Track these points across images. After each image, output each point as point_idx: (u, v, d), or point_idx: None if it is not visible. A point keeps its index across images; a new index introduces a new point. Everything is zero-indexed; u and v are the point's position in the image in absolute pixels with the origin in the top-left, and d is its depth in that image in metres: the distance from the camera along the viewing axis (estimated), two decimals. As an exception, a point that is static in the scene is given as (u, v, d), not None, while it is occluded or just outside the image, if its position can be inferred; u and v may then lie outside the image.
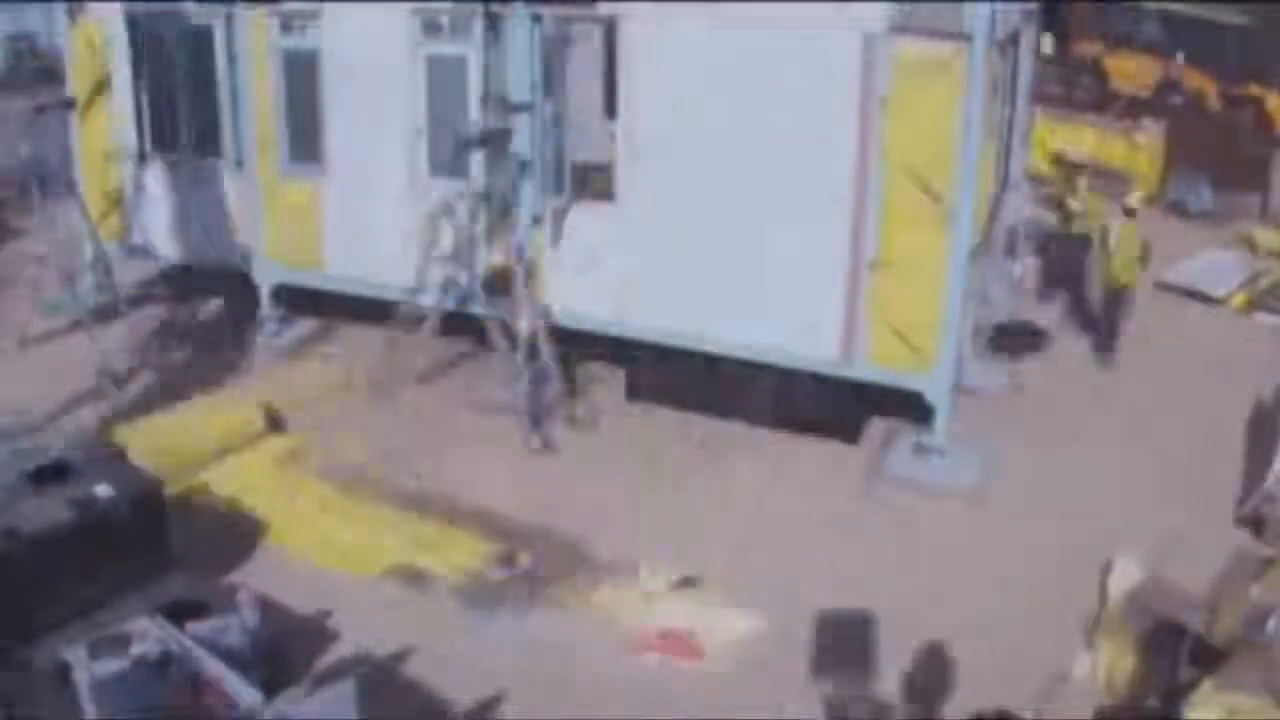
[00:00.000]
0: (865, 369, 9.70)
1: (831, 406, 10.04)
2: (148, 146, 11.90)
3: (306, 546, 8.34)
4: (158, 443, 8.94)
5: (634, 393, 10.73)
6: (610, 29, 9.95)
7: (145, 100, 11.79)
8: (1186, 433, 10.34)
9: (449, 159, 10.45)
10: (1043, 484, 9.40)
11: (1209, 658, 6.85)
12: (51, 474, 7.47)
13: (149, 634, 6.32)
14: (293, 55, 11.05)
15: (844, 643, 7.59)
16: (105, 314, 11.50)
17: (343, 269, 11.37)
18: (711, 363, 10.22)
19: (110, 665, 6.09)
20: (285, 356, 11.51)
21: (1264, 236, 15.72)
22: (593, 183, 10.39)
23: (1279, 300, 13.74)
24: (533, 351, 9.98)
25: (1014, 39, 10.87)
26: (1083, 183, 15.95)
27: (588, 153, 10.48)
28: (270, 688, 6.49)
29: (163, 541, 7.61)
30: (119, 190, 12.13)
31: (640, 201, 10.06)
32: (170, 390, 10.44)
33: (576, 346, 10.93)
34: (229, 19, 11.21)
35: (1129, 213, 12.31)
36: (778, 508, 9.14)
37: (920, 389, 9.55)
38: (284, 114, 11.24)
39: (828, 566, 8.32)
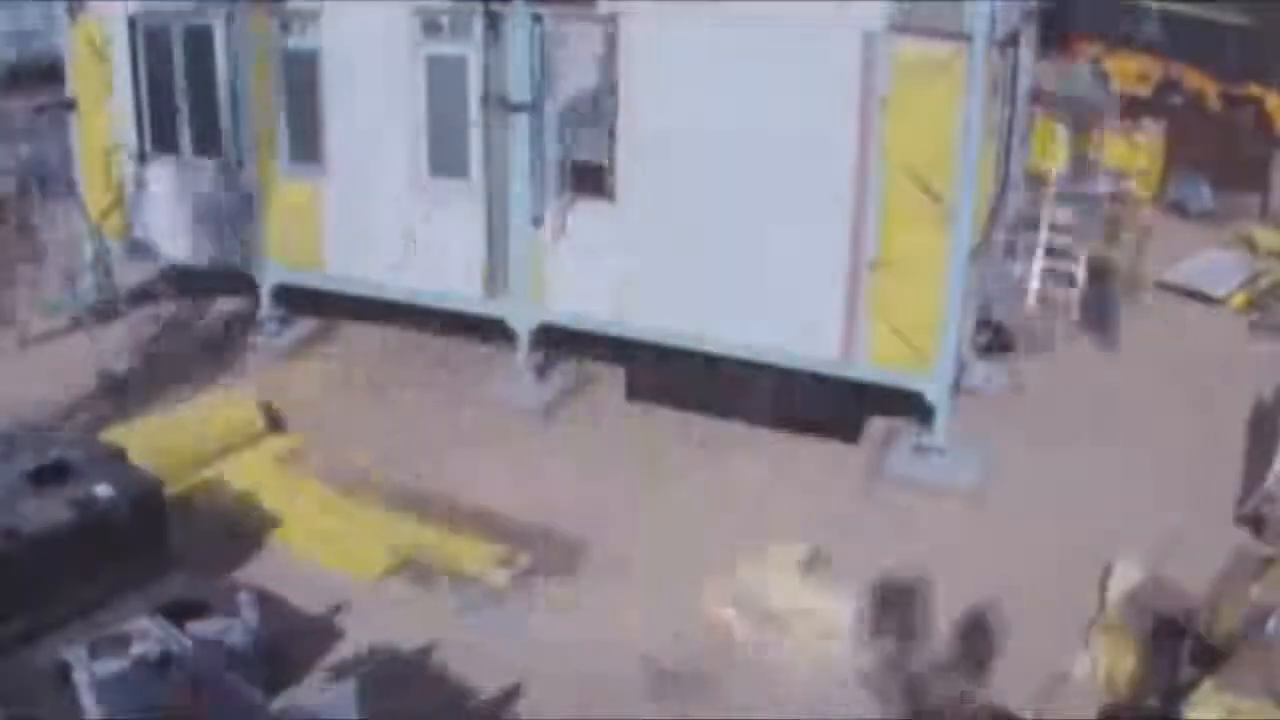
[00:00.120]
0: (865, 369, 9.70)
1: (831, 406, 10.05)
2: (148, 146, 11.89)
3: (306, 546, 8.33)
4: (158, 443, 8.93)
5: (634, 393, 10.73)
6: (610, 29, 9.95)
7: (145, 100, 11.79)
8: (1186, 433, 10.33)
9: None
10: (1043, 484, 9.39)
11: (1209, 658, 6.86)
12: (51, 474, 7.47)
13: (149, 634, 6.32)
14: (293, 55, 11.05)
15: (897, 609, 7.80)
16: (105, 314, 11.50)
17: (343, 269, 11.38)
18: (711, 363, 10.22)
19: (110, 665, 6.09)
20: (285, 356, 11.50)
21: (1264, 236, 15.71)
22: (593, 183, 10.38)
23: (1279, 300, 13.73)
24: None
25: (1014, 39, 10.87)
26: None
27: (588, 152, 10.49)
28: (271, 687, 6.50)
29: (163, 541, 7.61)
30: (120, 189, 12.12)
31: (640, 201, 10.06)
32: (170, 390, 10.44)
33: (577, 346, 10.97)
34: (229, 19, 11.22)
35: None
36: (778, 508, 9.14)
37: (920, 389, 9.55)
38: (284, 114, 11.25)
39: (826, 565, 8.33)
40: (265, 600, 7.19)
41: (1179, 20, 20.59)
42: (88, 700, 6.04)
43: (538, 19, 10.00)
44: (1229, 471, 9.69)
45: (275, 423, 10.02)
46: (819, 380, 9.91)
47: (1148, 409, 10.91)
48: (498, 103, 10.23)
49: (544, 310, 10.72)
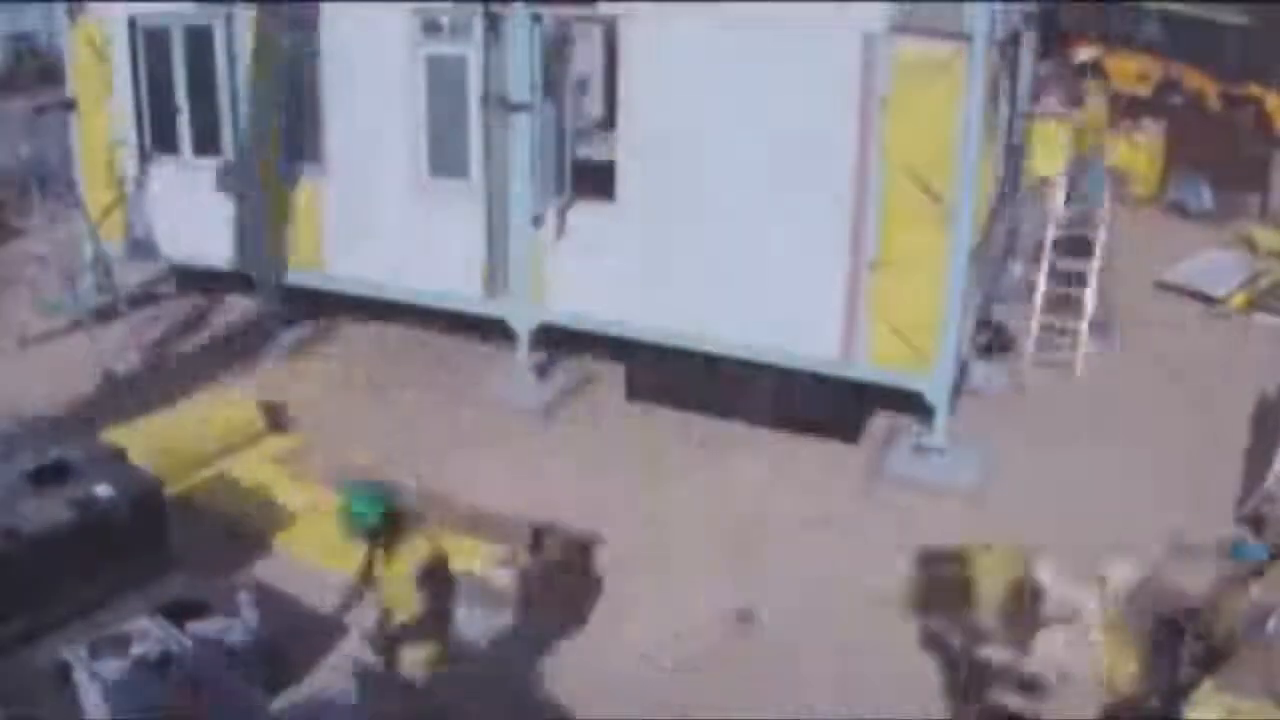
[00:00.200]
0: (865, 369, 9.70)
1: (831, 406, 10.05)
2: (148, 146, 11.90)
3: (306, 546, 8.33)
4: (158, 443, 8.93)
5: (634, 393, 10.73)
6: (610, 29, 9.96)
7: (145, 100, 11.79)
8: (1186, 433, 10.34)
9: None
10: (1043, 484, 9.39)
11: (1209, 658, 6.86)
12: (51, 474, 7.47)
13: (149, 634, 6.32)
14: (293, 55, 11.06)
15: (942, 579, 7.98)
16: (105, 314, 11.51)
17: (343, 269, 11.38)
18: (711, 363, 10.22)
19: (110, 665, 6.09)
20: (285, 356, 11.51)
21: (1264, 236, 15.71)
22: (593, 182, 10.39)
23: (1279, 300, 13.73)
24: None
25: (1014, 39, 10.87)
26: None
27: (588, 152, 10.50)
28: (271, 687, 6.51)
29: (163, 541, 7.61)
30: (120, 188, 12.13)
31: (640, 201, 10.06)
32: (170, 390, 10.44)
33: (577, 346, 10.98)
34: (229, 19, 11.22)
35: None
36: (778, 507, 9.14)
37: (920, 389, 9.56)
38: (284, 114, 11.25)
39: (828, 566, 8.33)
40: (270, 596, 7.21)
41: (1179, 20, 20.60)
42: (88, 700, 6.05)
43: (538, 19, 10.00)
44: (1229, 471, 9.69)
45: (276, 423, 10.02)
46: (819, 380, 9.91)
47: (1148, 409, 10.91)
48: (498, 103, 10.24)
49: (544, 310, 10.72)
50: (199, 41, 11.38)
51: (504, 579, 8.06)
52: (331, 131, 11.06)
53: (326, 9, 10.76)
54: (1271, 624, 6.79)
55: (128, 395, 10.43)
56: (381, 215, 10.98)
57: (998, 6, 9.12)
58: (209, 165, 11.65)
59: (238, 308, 12.46)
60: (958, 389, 10.04)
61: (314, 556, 8.20)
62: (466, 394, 10.74)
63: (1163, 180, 17.71)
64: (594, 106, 13.14)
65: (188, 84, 11.55)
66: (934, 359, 9.42)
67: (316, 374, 11.17)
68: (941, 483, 9.44)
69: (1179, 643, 7.11)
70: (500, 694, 7.01)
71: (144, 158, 11.92)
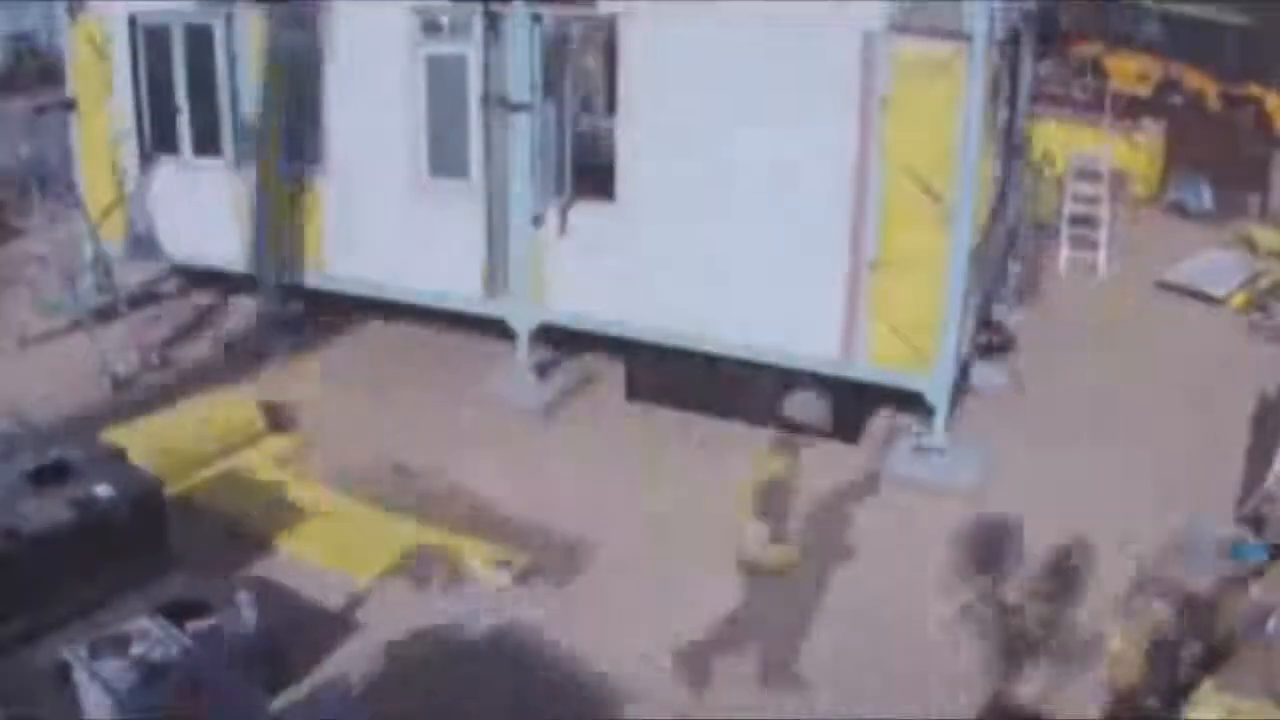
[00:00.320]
0: (865, 369, 9.71)
1: (831, 406, 10.04)
2: (148, 145, 11.90)
3: (306, 546, 8.33)
4: (158, 443, 8.93)
5: (634, 393, 10.74)
6: (610, 29, 9.95)
7: (146, 100, 11.79)
8: (1186, 433, 10.34)
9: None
10: (1043, 484, 9.39)
11: (1209, 658, 6.86)
12: (51, 474, 7.46)
13: (149, 634, 6.32)
14: (293, 54, 11.05)
15: (984, 546, 8.44)
16: (105, 314, 11.51)
17: (343, 268, 11.38)
18: (711, 363, 10.22)
19: (110, 665, 6.09)
20: (285, 356, 11.50)
21: (1264, 236, 15.72)
22: (593, 182, 10.39)
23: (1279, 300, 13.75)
24: None
25: (1014, 39, 10.87)
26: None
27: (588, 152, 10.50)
28: (271, 687, 6.51)
29: (163, 541, 7.61)
30: (121, 188, 12.13)
31: (640, 201, 10.06)
32: (170, 390, 10.44)
33: (577, 346, 10.98)
34: (229, 18, 11.23)
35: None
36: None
37: (920, 389, 9.56)
38: (284, 113, 11.25)
39: (827, 565, 8.32)
40: (270, 596, 7.21)
41: (1179, 20, 20.61)
42: (88, 700, 6.05)
43: (538, 19, 10.00)
44: (1229, 471, 9.69)
45: (276, 423, 10.01)
46: (819, 380, 9.91)
47: (1148, 409, 10.91)
48: (498, 103, 10.23)
49: (544, 310, 10.72)
50: (199, 40, 11.39)
51: (504, 579, 8.06)
52: (331, 131, 11.06)
53: (326, 8, 10.76)
54: (1271, 624, 6.79)
55: (128, 395, 10.44)
56: (381, 215, 10.98)
57: (998, 6, 9.12)
58: (209, 165, 11.66)
59: (238, 308, 12.46)
60: (958, 389, 10.04)
61: (314, 557, 8.21)
62: (466, 393, 10.74)
63: (1163, 180, 17.72)
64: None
65: (188, 83, 11.56)
66: (934, 359, 9.42)
67: (316, 374, 11.16)
68: (941, 483, 9.43)
69: (1179, 643, 7.11)
70: (500, 694, 7.01)
71: (144, 157, 11.93)
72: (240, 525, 8.51)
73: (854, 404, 10.11)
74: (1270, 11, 19.29)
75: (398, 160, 10.75)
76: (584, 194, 10.41)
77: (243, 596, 6.82)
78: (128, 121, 11.85)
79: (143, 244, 12.15)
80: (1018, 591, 8.04)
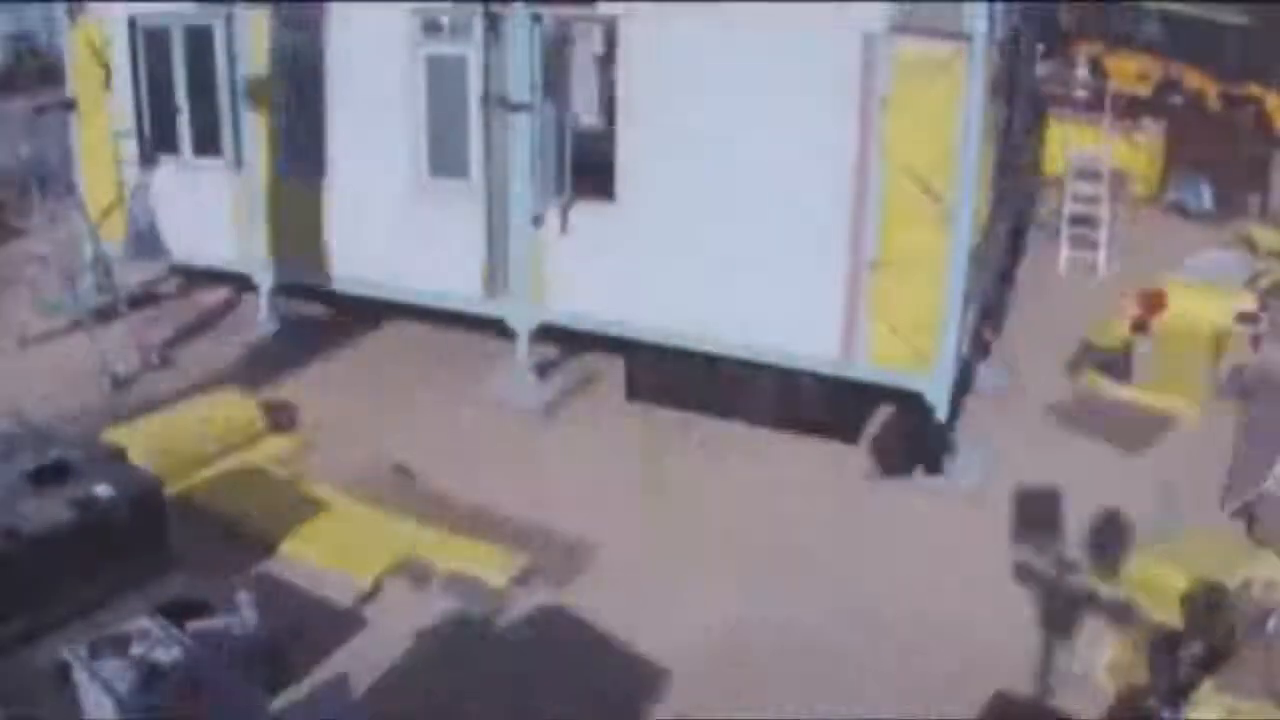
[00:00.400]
0: (865, 369, 9.71)
1: (831, 406, 10.04)
2: (148, 146, 11.90)
3: (306, 547, 8.32)
4: (158, 443, 8.93)
5: (634, 393, 10.74)
6: (610, 29, 9.95)
7: (145, 100, 11.79)
8: (1186, 432, 10.33)
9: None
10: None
11: (1209, 658, 6.86)
12: (51, 474, 7.46)
13: (149, 634, 6.32)
14: (293, 55, 11.05)
15: (1037, 511, 8.74)
16: (105, 314, 11.51)
17: (343, 268, 11.38)
18: (711, 363, 10.22)
19: (110, 665, 6.09)
20: (285, 356, 11.50)
21: (1264, 236, 15.72)
22: (593, 182, 10.39)
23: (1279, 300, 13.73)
24: None
25: (1014, 39, 10.87)
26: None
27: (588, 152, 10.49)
28: (271, 687, 6.50)
29: (163, 541, 7.61)
30: (121, 188, 12.13)
31: (640, 201, 10.06)
32: (170, 390, 10.44)
33: (577, 346, 10.97)
34: (229, 19, 11.23)
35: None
36: (778, 508, 9.14)
37: (920, 389, 9.56)
38: (284, 114, 11.24)
39: (828, 566, 8.33)
40: (270, 596, 7.20)
41: (1179, 20, 20.60)
42: (88, 700, 6.05)
43: (538, 19, 10.00)
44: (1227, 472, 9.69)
45: (276, 423, 10.01)
46: (819, 380, 9.91)
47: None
48: (498, 103, 10.24)
49: (544, 310, 10.73)
50: (199, 41, 11.39)
51: (502, 579, 8.05)
52: (331, 131, 11.06)
53: (327, 9, 10.76)
54: (1271, 624, 6.79)
55: (128, 395, 10.44)
56: (382, 215, 10.99)
57: (998, 6, 9.12)
58: (209, 165, 11.66)
59: (238, 307, 12.45)
60: (958, 389, 10.03)
61: (314, 557, 8.21)
62: (466, 393, 10.75)
63: (1163, 180, 17.71)
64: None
65: (188, 84, 11.56)
66: (934, 359, 9.42)
67: (317, 374, 11.17)
68: (941, 483, 9.43)
69: (1179, 643, 7.11)
70: (500, 694, 7.01)
71: (144, 158, 11.93)
72: (240, 525, 8.51)
73: (854, 404, 10.11)
74: (1270, 11, 19.27)
75: (398, 160, 10.75)
76: (584, 194, 10.41)
77: (243, 596, 6.82)
78: (128, 122, 11.86)
79: (143, 244, 12.15)
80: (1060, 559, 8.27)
